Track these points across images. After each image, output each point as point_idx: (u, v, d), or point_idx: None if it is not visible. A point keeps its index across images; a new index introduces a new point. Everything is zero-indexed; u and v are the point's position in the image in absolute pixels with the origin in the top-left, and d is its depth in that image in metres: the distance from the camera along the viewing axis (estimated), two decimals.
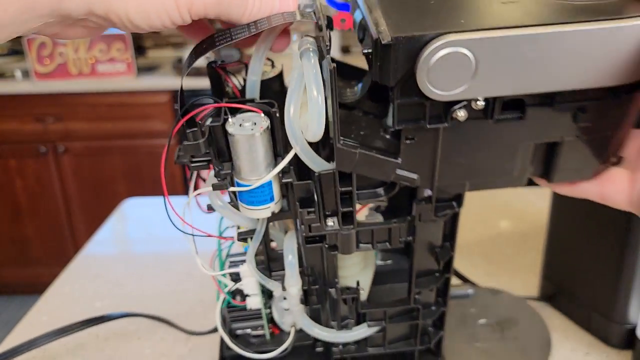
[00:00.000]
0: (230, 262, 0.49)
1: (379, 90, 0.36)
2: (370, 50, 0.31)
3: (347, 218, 0.38)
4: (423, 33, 0.29)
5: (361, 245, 0.40)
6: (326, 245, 0.40)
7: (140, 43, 2.39)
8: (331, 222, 0.38)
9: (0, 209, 2.19)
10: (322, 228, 0.38)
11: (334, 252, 0.40)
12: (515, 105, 0.33)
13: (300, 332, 0.51)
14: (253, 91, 0.39)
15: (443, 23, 0.30)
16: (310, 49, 0.33)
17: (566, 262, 0.62)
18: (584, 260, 0.59)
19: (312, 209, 0.38)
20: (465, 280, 0.66)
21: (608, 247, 0.55)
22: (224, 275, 0.47)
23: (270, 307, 0.50)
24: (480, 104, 0.32)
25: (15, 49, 2.51)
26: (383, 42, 0.29)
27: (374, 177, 0.36)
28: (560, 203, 0.60)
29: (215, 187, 0.38)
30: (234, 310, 0.51)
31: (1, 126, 2.06)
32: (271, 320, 0.51)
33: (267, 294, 0.49)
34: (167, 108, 1.95)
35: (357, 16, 0.35)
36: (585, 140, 0.35)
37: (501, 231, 0.85)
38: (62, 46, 1.99)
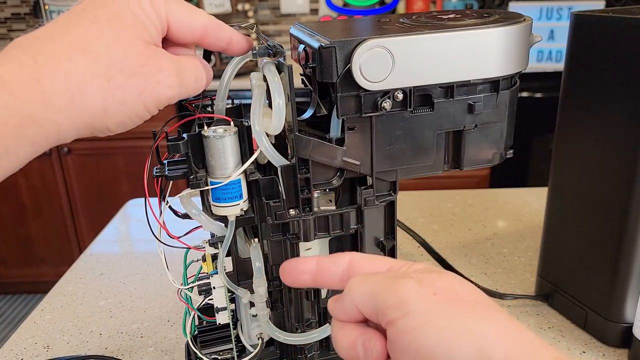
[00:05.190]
0: (199, 284, 0.53)
1: (319, 118, 0.47)
2: (313, 65, 0.42)
3: (307, 207, 0.46)
4: (354, 38, 0.40)
5: (318, 234, 0.47)
6: (289, 235, 0.47)
7: None
8: (293, 212, 0.46)
9: (4, 208, 2.19)
10: (286, 215, 0.45)
11: (296, 240, 0.47)
12: (426, 100, 0.45)
13: (266, 349, 0.54)
14: (222, 114, 0.48)
15: (365, 33, 0.41)
16: (270, 62, 0.43)
17: (562, 261, 0.65)
18: (580, 259, 0.62)
19: (277, 200, 0.45)
20: (464, 278, 0.70)
21: (604, 246, 0.58)
22: (190, 290, 0.51)
23: (235, 327, 0.54)
24: (400, 95, 0.43)
25: None
26: (324, 46, 0.40)
27: (326, 163, 0.44)
28: (556, 203, 0.64)
29: (193, 186, 0.44)
30: (202, 333, 0.54)
31: None
32: (237, 340, 0.54)
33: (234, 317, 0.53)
34: (170, 109, 2.00)
35: (300, 48, 0.46)
36: (481, 130, 0.47)
37: (498, 231, 0.89)
38: None
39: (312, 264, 0.34)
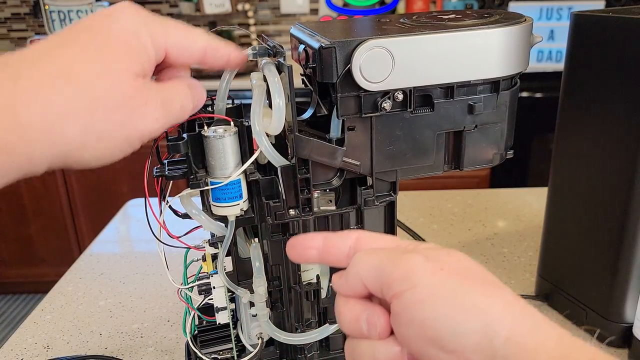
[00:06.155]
0: (199, 284, 0.53)
1: (320, 118, 0.47)
2: (313, 65, 0.42)
3: (307, 208, 0.46)
4: (354, 38, 0.40)
5: None
6: (288, 235, 0.47)
7: None
8: (293, 212, 0.46)
9: (5, 208, 2.21)
10: (285, 215, 0.45)
11: None
12: (426, 100, 0.45)
13: (266, 349, 0.54)
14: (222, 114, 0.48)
15: (365, 34, 0.41)
16: (270, 62, 0.43)
17: (562, 261, 0.64)
18: (580, 259, 0.61)
19: (277, 200, 0.45)
20: None
21: (604, 246, 0.58)
22: (190, 290, 0.51)
23: (235, 327, 0.54)
24: (400, 96, 0.43)
25: None
26: (324, 47, 0.40)
27: (326, 163, 0.44)
28: (556, 203, 0.64)
29: (193, 186, 0.44)
30: (202, 333, 0.54)
31: None
32: (237, 340, 0.54)
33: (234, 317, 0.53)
34: None
35: (300, 49, 0.46)
36: (481, 130, 0.47)
37: (498, 231, 0.89)
38: None
39: (319, 239, 0.34)
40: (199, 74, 1.77)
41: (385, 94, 0.43)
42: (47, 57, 0.30)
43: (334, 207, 0.47)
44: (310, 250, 0.34)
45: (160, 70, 0.37)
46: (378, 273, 0.29)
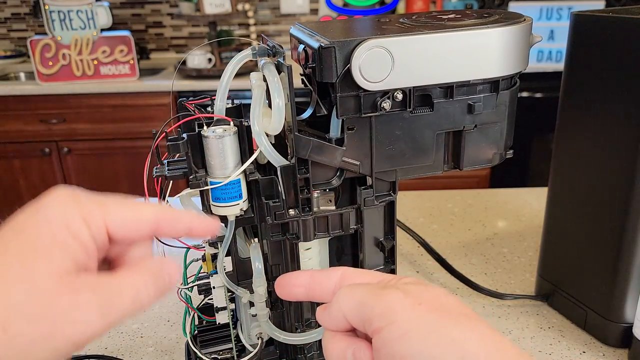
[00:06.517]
0: (198, 284, 0.53)
1: (319, 118, 0.47)
2: (313, 65, 0.42)
3: (306, 208, 0.46)
4: (353, 38, 0.40)
5: (318, 234, 0.47)
6: (288, 235, 0.47)
7: (143, 45, 2.54)
8: (293, 212, 0.46)
9: (4, 208, 2.18)
10: (285, 215, 0.45)
11: (296, 240, 0.47)
12: (425, 100, 0.45)
13: (266, 348, 0.54)
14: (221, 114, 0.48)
15: (364, 34, 0.41)
16: (270, 62, 0.43)
17: (562, 261, 0.65)
18: (580, 259, 0.62)
19: (277, 200, 0.45)
20: (464, 279, 0.70)
21: (604, 246, 0.58)
22: (190, 290, 0.51)
23: (235, 327, 0.54)
24: (399, 95, 0.43)
25: (20, 51, 2.57)
26: (324, 47, 0.40)
27: (325, 163, 0.44)
28: (556, 202, 0.65)
29: (192, 186, 0.44)
30: (202, 333, 0.54)
31: (6, 127, 2.11)
32: (237, 340, 0.54)
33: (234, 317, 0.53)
34: (170, 109, 2.06)
35: (300, 48, 0.46)
36: (481, 130, 0.47)
37: (498, 231, 0.89)
38: (66, 48, 2.07)
39: (306, 277, 0.35)
40: (199, 74, 1.77)
41: (384, 93, 0.43)
42: None
43: (333, 207, 0.47)
44: (297, 288, 0.35)
45: (114, 254, 0.33)
46: (359, 309, 0.30)
